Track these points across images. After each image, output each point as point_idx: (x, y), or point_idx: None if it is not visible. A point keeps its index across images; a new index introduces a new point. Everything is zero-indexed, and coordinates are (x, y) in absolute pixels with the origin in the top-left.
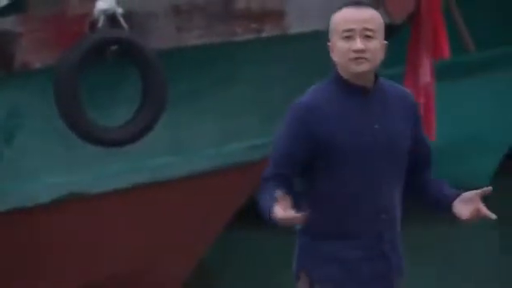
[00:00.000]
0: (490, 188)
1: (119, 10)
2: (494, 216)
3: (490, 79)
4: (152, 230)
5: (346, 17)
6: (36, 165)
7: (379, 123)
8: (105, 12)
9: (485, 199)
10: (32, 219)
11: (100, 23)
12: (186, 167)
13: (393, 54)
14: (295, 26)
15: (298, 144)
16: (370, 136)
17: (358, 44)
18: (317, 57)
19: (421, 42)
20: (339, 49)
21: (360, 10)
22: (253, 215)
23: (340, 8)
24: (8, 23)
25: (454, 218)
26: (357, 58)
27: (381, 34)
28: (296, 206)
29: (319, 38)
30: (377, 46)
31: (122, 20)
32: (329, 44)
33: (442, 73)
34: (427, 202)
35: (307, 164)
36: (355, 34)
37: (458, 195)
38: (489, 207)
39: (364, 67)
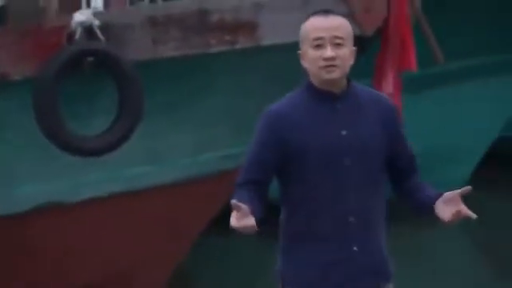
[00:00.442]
0: (469, 187)
1: (96, 22)
2: (474, 216)
3: (460, 89)
4: (129, 237)
5: (315, 25)
6: (15, 174)
7: (347, 129)
8: (82, 24)
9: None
10: (11, 227)
11: (77, 35)
12: (162, 176)
13: (363, 66)
14: (268, 37)
15: (268, 150)
16: (337, 142)
17: (329, 52)
18: (289, 67)
19: (388, 53)
20: (310, 57)
21: (329, 19)
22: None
23: (309, 17)
24: None
25: (437, 220)
26: (327, 66)
27: (350, 41)
28: (268, 211)
29: (291, 49)
30: (346, 53)
31: (98, 32)
32: (299, 52)
33: (413, 84)
34: (413, 205)
35: (279, 169)
36: (325, 42)
37: (440, 195)
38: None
39: (335, 75)
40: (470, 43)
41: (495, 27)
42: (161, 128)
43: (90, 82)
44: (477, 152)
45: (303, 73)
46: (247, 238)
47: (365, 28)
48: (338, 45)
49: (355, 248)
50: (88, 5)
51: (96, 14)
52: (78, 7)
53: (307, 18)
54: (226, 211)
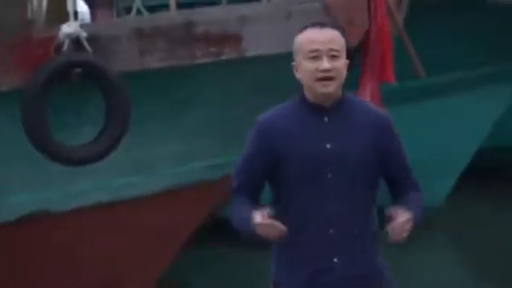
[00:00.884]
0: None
1: (83, 34)
2: (407, 216)
3: (442, 102)
4: (116, 245)
5: (311, 37)
6: (4, 184)
7: (332, 142)
8: (69, 36)
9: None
10: (1, 236)
11: (65, 47)
12: (149, 186)
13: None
14: (252, 49)
15: (255, 159)
16: (320, 154)
17: (325, 64)
18: (273, 78)
19: (368, 65)
20: (305, 69)
21: (325, 31)
22: (214, 231)
23: (304, 29)
24: None
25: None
26: (324, 78)
27: (344, 53)
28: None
29: (275, 61)
30: (342, 65)
31: (86, 43)
32: (293, 64)
33: (397, 97)
34: None
35: (270, 176)
36: (321, 54)
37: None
38: (446, 225)
39: (330, 89)
40: (452, 57)
41: (477, 41)
42: (147, 138)
43: (77, 93)
44: (459, 164)
45: (286, 84)
46: (235, 247)
47: (348, 40)
48: (334, 57)
49: (335, 260)
50: (75, 17)
51: (83, 26)
52: (65, 19)
53: (301, 30)
54: (214, 221)
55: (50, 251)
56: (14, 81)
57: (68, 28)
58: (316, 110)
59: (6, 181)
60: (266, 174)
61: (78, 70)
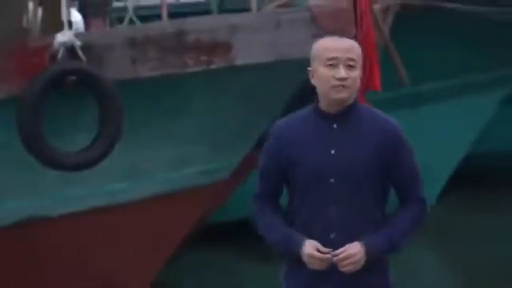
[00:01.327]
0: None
1: (78, 43)
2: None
3: (430, 110)
4: (109, 250)
5: (330, 46)
6: (1, 190)
7: (337, 148)
8: (64, 44)
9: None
10: None
11: (60, 55)
12: (141, 191)
13: None
14: (242, 57)
15: (271, 165)
16: (324, 160)
17: (342, 73)
18: (262, 86)
19: None
20: (322, 75)
21: (344, 41)
22: (206, 235)
23: (323, 37)
24: None
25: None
26: (338, 86)
27: (360, 63)
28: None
29: (264, 69)
30: (357, 75)
31: (80, 52)
32: (309, 69)
33: (384, 105)
34: None
35: (285, 181)
36: (339, 63)
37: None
38: (433, 229)
39: (343, 95)
40: (440, 66)
41: (464, 51)
42: (140, 145)
43: (71, 100)
44: (446, 170)
45: (274, 92)
46: (227, 252)
47: None
48: (351, 66)
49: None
50: (70, 26)
51: (77, 35)
52: (60, 28)
53: (320, 38)
54: (206, 226)
55: (45, 255)
56: (10, 88)
57: (63, 37)
58: (326, 116)
59: (2, 186)
60: (282, 178)
61: (73, 77)
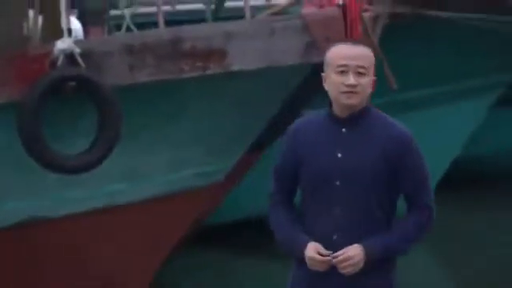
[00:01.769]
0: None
1: (77, 50)
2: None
3: (421, 116)
4: (108, 250)
5: (341, 53)
6: (2, 191)
7: (344, 152)
8: (64, 51)
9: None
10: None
11: (59, 62)
12: (139, 193)
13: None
14: (236, 64)
15: (284, 164)
16: (331, 163)
17: (351, 79)
18: (256, 92)
19: None
20: (333, 81)
21: (355, 48)
22: (203, 237)
23: (337, 44)
24: None
25: None
26: (348, 92)
27: (371, 70)
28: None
29: (258, 75)
30: (367, 82)
31: (79, 59)
32: (322, 74)
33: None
34: None
35: (298, 180)
36: (349, 70)
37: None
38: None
39: (353, 100)
40: (430, 73)
41: (454, 58)
42: (137, 148)
43: (71, 105)
44: (436, 173)
45: (268, 97)
46: (224, 253)
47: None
48: (361, 73)
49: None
50: (69, 34)
51: (77, 42)
52: (59, 36)
53: (334, 44)
54: (203, 227)
55: (45, 256)
56: (11, 94)
57: (62, 44)
58: (336, 120)
59: (4, 188)
60: (295, 178)
61: (72, 83)
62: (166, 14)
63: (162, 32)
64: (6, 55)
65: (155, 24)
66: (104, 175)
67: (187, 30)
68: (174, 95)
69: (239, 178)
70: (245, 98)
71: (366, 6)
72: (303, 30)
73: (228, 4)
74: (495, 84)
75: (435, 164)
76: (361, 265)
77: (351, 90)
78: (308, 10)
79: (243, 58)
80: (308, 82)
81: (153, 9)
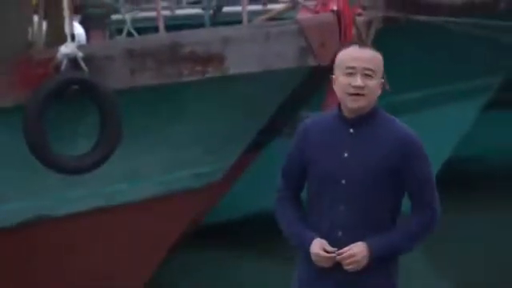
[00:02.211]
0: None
1: (80, 55)
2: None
3: (414, 118)
4: (108, 248)
5: (350, 55)
6: (5, 191)
7: (351, 152)
8: (67, 56)
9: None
10: (3, 239)
11: (63, 66)
12: (138, 193)
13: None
14: (234, 68)
15: (293, 162)
16: (337, 162)
17: (358, 81)
18: (253, 94)
19: None
20: (340, 83)
21: (364, 51)
22: (201, 235)
23: (347, 46)
24: None
25: None
26: (355, 94)
27: (379, 73)
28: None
29: (255, 79)
30: (374, 84)
31: (82, 63)
32: (332, 76)
33: None
34: None
35: (305, 178)
36: (357, 72)
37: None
38: None
39: (359, 103)
40: (422, 76)
41: (446, 62)
42: (137, 149)
43: (74, 108)
44: None
45: (264, 100)
46: (222, 252)
47: (320, 60)
48: (368, 76)
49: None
50: (72, 39)
51: (80, 47)
52: (63, 41)
53: (344, 47)
54: (201, 226)
55: (47, 254)
56: (17, 97)
57: (66, 49)
58: (344, 121)
59: (9, 188)
60: (303, 176)
61: (75, 87)
62: (166, 18)
63: (163, 37)
64: (11, 60)
65: (155, 28)
66: (105, 175)
67: (187, 36)
68: (174, 98)
69: (236, 178)
70: (242, 100)
71: (359, 11)
72: (299, 34)
73: (226, 9)
74: (485, 87)
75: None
76: (364, 262)
77: (358, 92)
78: (303, 15)
79: (241, 62)
80: (303, 85)
81: (153, 13)
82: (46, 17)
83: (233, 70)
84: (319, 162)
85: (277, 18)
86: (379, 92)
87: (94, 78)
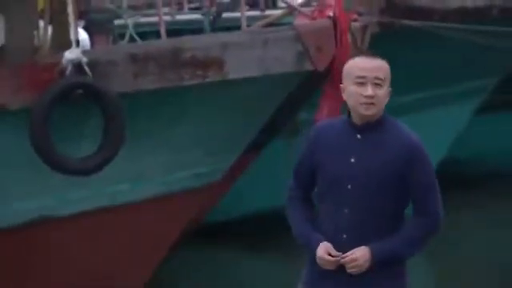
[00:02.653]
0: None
1: (84, 59)
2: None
3: (409, 120)
4: (109, 248)
5: (360, 65)
6: (11, 192)
7: (357, 157)
8: (72, 61)
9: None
10: (7, 238)
11: (68, 71)
12: (140, 193)
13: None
14: (233, 72)
15: (304, 163)
16: (344, 167)
17: (370, 91)
18: (252, 98)
19: (333, 87)
20: (351, 92)
21: (373, 61)
22: (201, 234)
23: (355, 57)
24: None
25: None
26: (366, 103)
27: (388, 82)
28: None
29: (254, 83)
30: (384, 92)
31: (86, 68)
32: (341, 86)
33: None
34: None
35: (315, 180)
36: (367, 82)
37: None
38: None
39: (371, 111)
40: (416, 80)
41: (440, 65)
42: (140, 151)
43: (78, 111)
44: None
45: (262, 103)
46: (222, 251)
47: (317, 64)
48: (378, 85)
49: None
50: (77, 44)
51: (84, 53)
52: (68, 46)
53: (352, 58)
54: (202, 224)
55: (48, 254)
56: (23, 100)
57: (70, 54)
58: (353, 127)
59: (15, 188)
60: (313, 178)
61: (80, 91)
62: (167, 23)
63: (164, 42)
64: (18, 64)
65: (156, 33)
66: (108, 176)
67: (187, 41)
68: (175, 101)
69: (235, 178)
70: (241, 103)
71: (355, 17)
72: (296, 40)
73: (225, 15)
74: (478, 90)
75: None
76: (366, 265)
77: (370, 102)
78: (300, 21)
79: (240, 67)
80: (300, 88)
81: (154, 19)
82: (51, 22)
83: (232, 75)
84: (327, 165)
85: (274, 23)
86: (387, 100)
87: (98, 83)
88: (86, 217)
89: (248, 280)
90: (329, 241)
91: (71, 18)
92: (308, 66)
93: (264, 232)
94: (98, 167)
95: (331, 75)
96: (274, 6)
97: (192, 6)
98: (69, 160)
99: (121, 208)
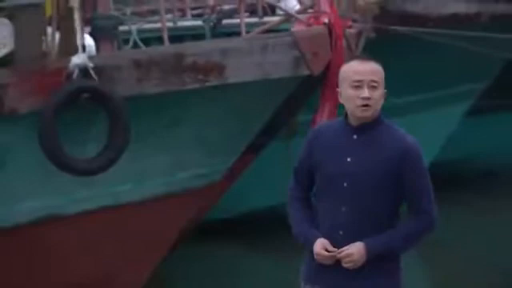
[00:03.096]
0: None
1: (90, 64)
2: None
3: (402, 122)
4: (109, 247)
5: (356, 69)
6: (19, 191)
7: (353, 157)
8: (79, 66)
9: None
10: (14, 237)
11: (75, 75)
12: (143, 193)
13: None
14: (233, 76)
15: (303, 162)
16: (340, 166)
17: (366, 93)
18: (251, 101)
19: (328, 90)
20: (348, 95)
21: (368, 64)
22: (201, 233)
23: (350, 61)
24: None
25: None
26: (363, 105)
27: (383, 84)
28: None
29: (253, 87)
30: (379, 94)
31: (92, 72)
32: (338, 90)
33: None
34: None
35: (314, 179)
36: (363, 85)
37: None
38: None
39: (368, 113)
40: (408, 83)
41: (431, 69)
42: (143, 152)
43: (85, 114)
44: None
45: (261, 106)
46: (222, 250)
47: (313, 69)
48: (373, 87)
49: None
50: (83, 50)
51: (90, 58)
52: (75, 52)
53: (347, 62)
54: (202, 222)
55: (57, 248)
56: (32, 104)
57: (77, 59)
58: (349, 128)
59: (22, 188)
60: (311, 177)
61: (86, 94)
62: (169, 29)
63: (167, 48)
64: (27, 69)
65: (159, 38)
66: (112, 176)
67: (189, 47)
68: (177, 104)
69: (235, 178)
70: (241, 106)
71: (349, 24)
72: (293, 45)
73: (225, 22)
74: (467, 94)
75: None
76: (362, 260)
77: (366, 103)
78: (297, 27)
79: (239, 72)
80: (297, 92)
81: (157, 25)
82: (58, 29)
83: (232, 79)
84: (325, 165)
85: (272, 29)
86: (383, 101)
87: (104, 87)
88: (91, 216)
89: (248, 278)
90: (326, 237)
91: (78, 24)
92: (304, 71)
93: (263, 231)
94: (104, 168)
95: (327, 79)
96: (273, 13)
97: (194, 12)
98: (76, 161)
99: (123, 207)
